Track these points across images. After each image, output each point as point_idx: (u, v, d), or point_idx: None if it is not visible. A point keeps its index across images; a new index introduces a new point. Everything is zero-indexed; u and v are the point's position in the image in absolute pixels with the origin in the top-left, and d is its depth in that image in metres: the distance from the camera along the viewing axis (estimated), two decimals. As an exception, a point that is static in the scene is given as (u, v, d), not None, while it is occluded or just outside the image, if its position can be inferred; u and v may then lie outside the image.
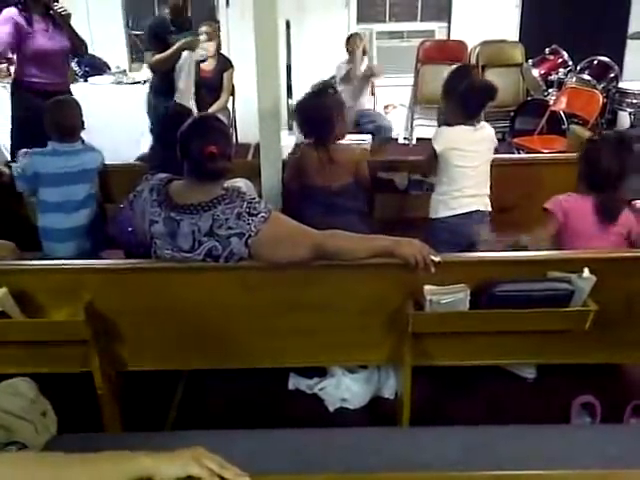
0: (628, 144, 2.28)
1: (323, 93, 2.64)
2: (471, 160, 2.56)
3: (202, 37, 4.77)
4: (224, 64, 4.93)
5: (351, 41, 4.94)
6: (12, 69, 4.11)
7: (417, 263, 1.84)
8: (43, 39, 3.52)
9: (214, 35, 4.84)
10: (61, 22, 3.56)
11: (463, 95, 2.54)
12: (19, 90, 3.64)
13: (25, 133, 3.41)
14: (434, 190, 2.69)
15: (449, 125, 2.63)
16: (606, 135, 2.46)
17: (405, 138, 6.01)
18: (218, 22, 5.71)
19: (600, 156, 2.23)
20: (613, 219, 2.24)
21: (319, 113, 2.54)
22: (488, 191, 2.64)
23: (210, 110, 4.65)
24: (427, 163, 2.71)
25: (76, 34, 3.68)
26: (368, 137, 4.05)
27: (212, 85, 4.79)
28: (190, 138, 1.88)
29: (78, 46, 3.74)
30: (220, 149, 1.84)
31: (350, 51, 4.95)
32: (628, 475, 1.27)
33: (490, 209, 2.64)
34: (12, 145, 3.64)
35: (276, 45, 2.45)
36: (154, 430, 2.17)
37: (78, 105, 2.81)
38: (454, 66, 2.75)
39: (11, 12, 3.43)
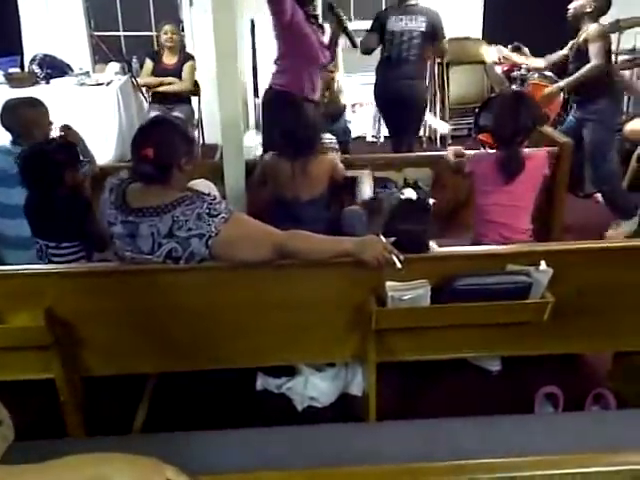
0: (524, 101, 2.44)
1: (300, 106, 2.61)
2: None
3: (163, 36, 4.90)
4: (186, 57, 5.05)
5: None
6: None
7: (380, 264, 1.84)
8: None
9: (175, 32, 4.97)
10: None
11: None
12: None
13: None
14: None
15: None
16: (503, 93, 2.54)
17: (373, 136, 6.04)
18: (182, 21, 5.68)
19: (498, 112, 2.44)
20: (514, 174, 2.39)
21: (302, 129, 2.50)
22: None
23: (169, 88, 4.89)
24: None
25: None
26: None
27: (174, 75, 4.95)
28: (138, 134, 1.89)
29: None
30: (157, 155, 1.82)
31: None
32: (579, 459, 1.30)
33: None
34: None
35: (235, 48, 2.45)
36: (121, 434, 2.15)
37: (36, 106, 2.72)
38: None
39: None
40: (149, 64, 5.03)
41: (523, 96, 2.55)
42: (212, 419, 2.34)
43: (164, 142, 1.86)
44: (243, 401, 2.46)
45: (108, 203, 1.94)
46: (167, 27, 4.97)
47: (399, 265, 1.81)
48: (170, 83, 4.92)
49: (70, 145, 2.54)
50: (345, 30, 3.31)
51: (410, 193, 2.57)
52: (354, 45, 3.47)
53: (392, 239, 1.90)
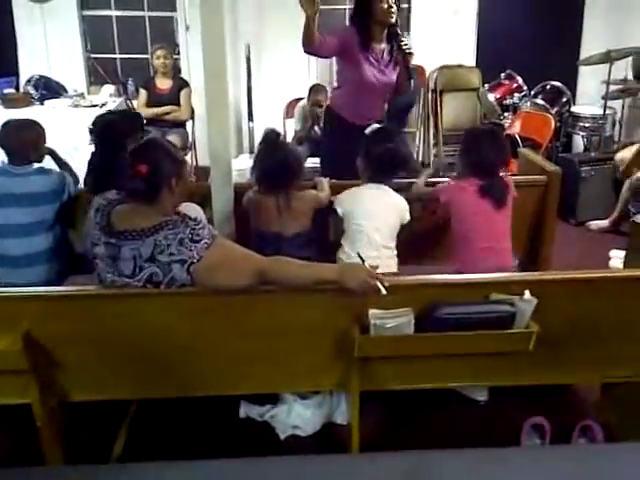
0: (498, 135, 2.63)
1: (278, 143, 2.61)
2: (373, 221, 2.51)
3: (156, 61, 4.90)
4: (181, 82, 5.05)
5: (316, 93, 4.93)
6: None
7: (365, 291, 1.82)
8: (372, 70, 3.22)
9: (168, 56, 4.95)
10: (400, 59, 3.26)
11: (376, 159, 2.55)
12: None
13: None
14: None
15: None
16: (480, 129, 2.71)
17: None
18: (177, 45, 5.72)
19: (479, 147, 2.53)
20: (503, 199, 2.50)
21: (280, 166, 2.49)
22: (394, 253, 2.55)
23: (167, 114, 4.87)
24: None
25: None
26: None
27: (169, 101, 4.94)
28: (131, 153, 1.89)
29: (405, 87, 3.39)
30: (150, 172, 1.83)
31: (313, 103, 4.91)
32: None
33: (395, 270, 2.50)
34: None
35: (225, 71, 2.44)
36: (99, 463, 2.11)
37: (35, 128, 2.74)
38: (376, 126, 2.70)
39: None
40: (143, 94, 4.98)
41: (496, 131, 2.73)
42: (193, 447, 2.31)
43: (156, 161, 1.87)
44: (225, 429, 2.41)
45: (93, 223, 1.93)
46: (159, 51, 4.94)
47: (384, 291, 1.79)
48: (167, 112, 4.89)
49: (136, 116, 2.88)
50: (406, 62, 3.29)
51: (373, 126, 2.69)
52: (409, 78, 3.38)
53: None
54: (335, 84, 3.57)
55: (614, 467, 1.83)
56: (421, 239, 2.86)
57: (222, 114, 2.51)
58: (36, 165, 2.70)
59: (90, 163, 2.81)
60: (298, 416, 2.39)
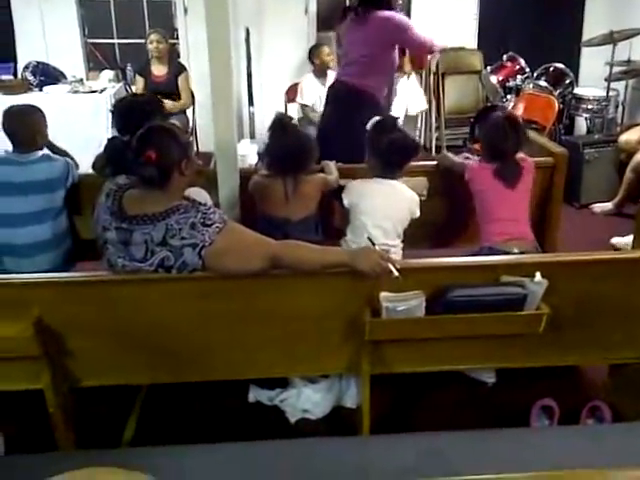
0: (515, 123, 2.68)
1: (288, 127, 2.58)
2: (378, 218, 2.50)
3: (150, 45, 4.80)
4: (177, 68, 4.95)
5: (318, 53, 4.95)
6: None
7: (377, 274, 1.82)
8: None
9: (162, 41, 4.85)
10: None
11: (384, 151, 2.52)
12: None
13: None
14: None
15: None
16: (495, 118, 2.72)
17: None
18: (176, 29, 5.67)
19: (493, 135, 2.67)
20: (514, 182, 2.61)
21: (292, 149, 2.48)
22: (399, 250, 2.54)
23: (168, 103, 4.57)
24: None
25: None
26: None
27: (166, 89, 4.79)
28: (138, 140, 1.87)
29: None
30: (160, 157, 1.81)
31: (322, 62, 4.94)
32: (574, 475, 1.29)
33: None
34: None
35: (229, 51, 2.41)
36: (110, 447, 2.12)
37: (38, 113, 2.71)
38: (375, 118, 2.65)
39: None
40: (140, 81, 4.90)
41: (513, 118, 2.75)
42: (203, 431, 2.31)
43: (164, 145, 1.85)
44: (235, 413, 2.42)
45: (104, 208, 1.92)
46: (153, 36, 4.83)
47: (396, 274, 1.80)
48: (171, 108, 4.64)
49: (156, 99, 2.83)
50: None
51: (374, 119, 2.65)
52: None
53: None
54: (356, 69, 3.40)
55: (623, 446, 1.85)
56: (445, 220, 2.94)
57: (227, 100, 2.49)
58: (41, 152, 2.67)
59: (108, 147, 2.74)
60: (308, 400, 2.40)
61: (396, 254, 2.49)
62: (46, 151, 2.72)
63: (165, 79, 4.88)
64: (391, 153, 2.51)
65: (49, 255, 2.60)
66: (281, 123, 2.58)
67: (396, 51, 3.43)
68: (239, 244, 1.85)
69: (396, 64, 3.54)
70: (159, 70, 4.89)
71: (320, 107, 4.91)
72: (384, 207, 2.51)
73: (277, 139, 2.54)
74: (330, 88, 3.65)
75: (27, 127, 2.64)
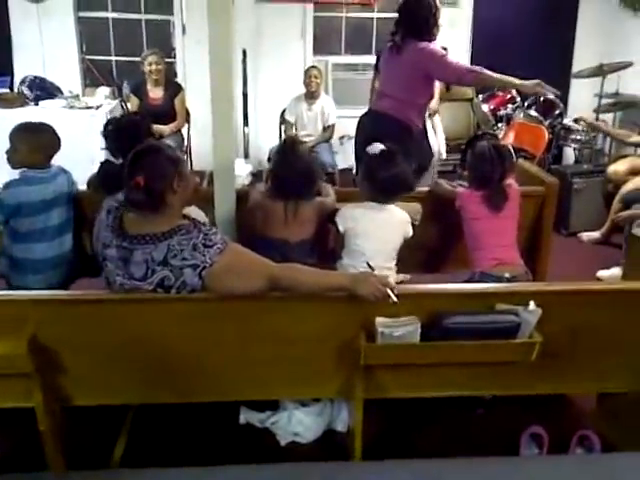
0: (498, 151, 2.74)
1: (296, 150, 2.61)
2: (372, 242, 2.52)
3: (147, 67, 4.74)
4: (174, 89, 4.91)
5: (310, 75, 5.04)
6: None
7: (377, 299, 1.83)
8: None
9: (160, 62, 4.79)
10: None
11: (383, 182, 2.53)
12: None
13: None
14: None
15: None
16: (480, 147, 2.77)
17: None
18: (174, 49, 5.72)
19: (483, 164, 2.72)
20: (500, 208, 2.68)
21: (297, 172, 2.50)
22: (394, 273, 2.56)
23: (163, 128, 4.66)
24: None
25: None
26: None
27: (163, 112, 4.76)
28: (127, 165, 1.87)
29: None
30: (148, 182, 1.80)
31: (308, 84, 5.04)
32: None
33: None
34: None
35: (231, 74, 2.45)
36: (99, 467, 2.10)
37: (48, 128, 2.71)
38: (379, 147, 2.62)
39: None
40: (134, 102, 4.86)
41: (499, 147, 2.81)
42: (193, 453, 2.30)
43: (153, 168, 1.84)
44: (225, 435, 2.41)
45: (105, 225, 1.92)
46: (151, 58, 4.74)
47: (395, 299, 1.81)
48: (162, 129, 4.66)
49: (143, 120, 2.87)
50: None
51: (376, 146, 2.62)
52: None
53: None
54: (391, 99, 3.37)
55: (611, 476, 1.86)
56: (437, 245, 2.97)
57: (227, 120, 2.53)
58: (55, 165, 2.69)
59: (101, 171, 2.77)
60: (299, 423, 2.39)
61: (392, 276, 2.50)
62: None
63: (162, 102, 4.83)
64: (390, 185, 2.53)
65: (58, 270, 2.62)
66: (292, 146, 2.61)
67: (433, 82, 3.40)
68: (239, 265, 1.86)
69: (431, 96, 3.51)
70: (155, 93, 4.83)
71: (300, 128, 5.01)
72: (380, 232, 2.53)
73: (285, 163, 2.56)
74: (364, 116, 3.56)
75: (43, 144, 2.63)
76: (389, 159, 2.56)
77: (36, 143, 2.60)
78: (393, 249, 2.57)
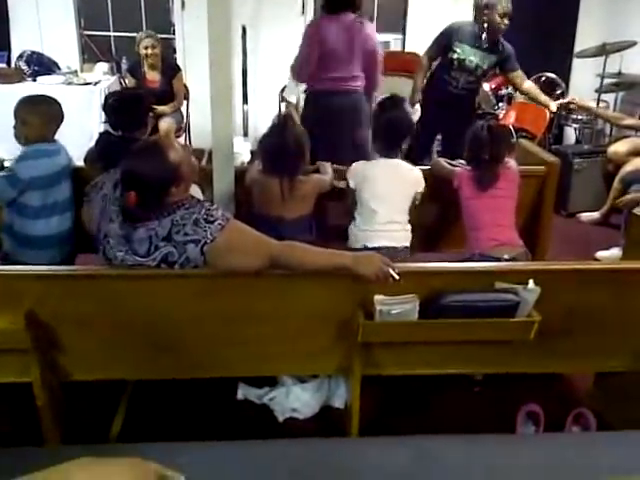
0: (494, 133, 2.73)
1: (288, 127, 2.59)
2: (382, 195, 2.57)
3: (142, 50, 4.66)
4: (171, 71, 4.83)
5: None
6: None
7: (379, 278, 1.83)
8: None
9: (156, 45, 4.69)
10: None
11: (382, 130, 2.64)
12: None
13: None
14: None
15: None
16: (474, 130, 2.77)
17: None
18: (173, 25, 5.64)
19: (474, 143, 2.73)
20: (488, 186, 2.66)
21: (290, 149, 2.49)
22: (405, 227, 2.62)
23: (160, 109, 4.56)
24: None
25: None
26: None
27: (162, 94, 4.66)
28: (120, 177, 1.87)
29: None
30: (140, 197, 1.79)
31: None
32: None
33: (406, 244, 2.61)
34: None
35: (230, 51, 2.43)
36: (97, 442, 2.11)
37: (56, 100, 2.67)
38: (384, 96, 2.75)
39: None
40: (131, 81, 4.80)
41: (494, 127, 2.80)
42: (190, 428, 2.31)
43: (146, 183, 1.80)
44: (223, 411, 2.42)
45: (112, 199, 1.91)
46: (147, 41, 4.63)
47: (397, 277, 1.81)
48: (163, 109, 4.61)
49: (145, 95, 2.91)
50: None
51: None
52: None
53: None
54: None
55: (607, 454, 1.87)
56: (437, 225, 2.97)
57: (226, 97, 2.51)
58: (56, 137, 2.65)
59: (100, 142, 2.77)
60: (296, 399, 2.41)
61: (401, 232, 2.60)
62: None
63: (159, 85, 4.75)
64: (387, 131, 2.61)
65: (63, 246, 2.60)
66: (280, 121, 2.60)
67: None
68: (240, 242, 1.85)
69: None
70: (152, 76, 4.75)
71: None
72: (389, 186, 2.58)
73: (271, 135, 2.58)
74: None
75: (53, 116, 2.60)
76: (387, 106, 2.68)
77: (48, 115, 2.57)
78: (405, 201, 2.61)
